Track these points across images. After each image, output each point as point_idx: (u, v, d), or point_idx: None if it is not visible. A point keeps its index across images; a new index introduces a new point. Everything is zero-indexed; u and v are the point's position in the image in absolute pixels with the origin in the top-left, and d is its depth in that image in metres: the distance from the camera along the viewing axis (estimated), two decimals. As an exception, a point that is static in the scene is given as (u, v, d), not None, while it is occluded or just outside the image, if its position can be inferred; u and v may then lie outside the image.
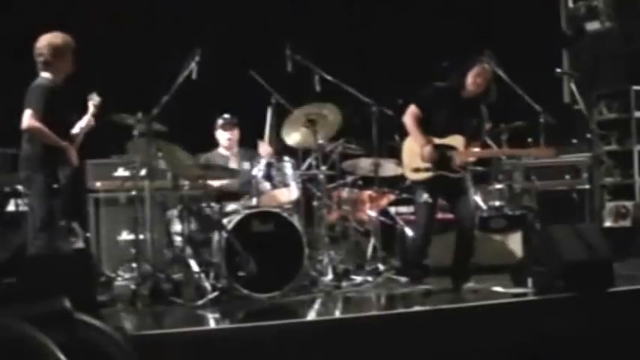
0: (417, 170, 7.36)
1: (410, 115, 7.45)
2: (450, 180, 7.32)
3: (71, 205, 7.40)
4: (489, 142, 8.64)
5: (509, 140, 9.25)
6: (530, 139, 9.71)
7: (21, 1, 9.71)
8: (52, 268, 5.99)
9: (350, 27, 11.36)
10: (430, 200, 7.36)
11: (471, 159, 7.53)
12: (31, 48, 6.95)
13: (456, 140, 7.34)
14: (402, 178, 8.15)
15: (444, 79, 7.56)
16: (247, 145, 8.84)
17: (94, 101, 7.32)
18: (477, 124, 7.44)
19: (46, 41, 6.92)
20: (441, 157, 7.28)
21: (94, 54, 9.41)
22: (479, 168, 9.54)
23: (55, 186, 6.73)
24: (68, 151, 6.87)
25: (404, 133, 7.58)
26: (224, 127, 8.79)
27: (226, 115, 8.83)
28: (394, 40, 11.35)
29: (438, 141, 7.33)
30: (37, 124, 6.66)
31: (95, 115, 7.30)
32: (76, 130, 7.17)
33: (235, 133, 8.83)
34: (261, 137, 8.55)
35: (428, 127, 7.39)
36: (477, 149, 7.46)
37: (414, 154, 7.35)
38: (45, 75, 6.92)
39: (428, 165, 7.29)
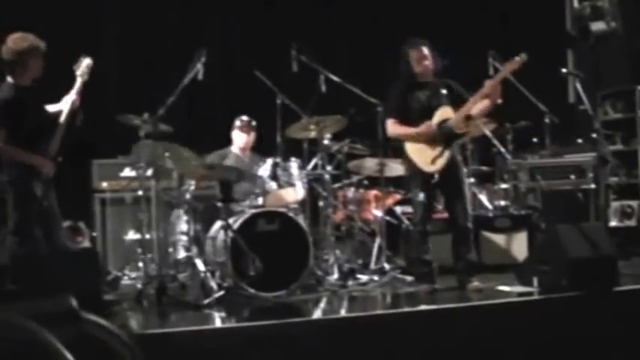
0: (435, 160, 7.32)
1: (392, 127, 7.55)
2: (445, 173, 7.32)
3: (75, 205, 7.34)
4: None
5: (514, 140, 9.26)
6: (535, 139, 9.75)
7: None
8: (58, 266, 6.01)
9: (355, 26, 11.37)
10: (425, 200, 7.37)
11: (466, 114, 7.38)
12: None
13: (444, 112, 7.34)
14: (406, 178, 8.14)
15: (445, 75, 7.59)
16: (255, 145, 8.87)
17: (82, 67, 6.98)
18: (450, 94, 7.43)
19: (11, 43, 6.64)
20: (443, 133, 7.28)
21: (100, 55, 9.48)
22: (484, 168, 9.57)
23: (28, 198, 6.60)
24: (40, 165, 6.65)
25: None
26: (241, 129, 8.81)
27: (245, 118, 8.84)
28: (399, 39, 11.37)
29: (429, 123, 7.34)
30: (3, 144, 6.52)
31: (84, 86, 6.94)
32: (57, 106, 6.87)
33: (252, 136, 8.85)
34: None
35: (412, 121, 7.42)
36: (465, 105, 7.37)
37: (422, 149, 7.35)
38: (9, 80, 6.69)
39: (440, 147, 7.27)
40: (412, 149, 7.46)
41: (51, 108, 6.93)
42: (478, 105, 7.31)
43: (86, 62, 7.02)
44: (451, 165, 7.36)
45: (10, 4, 9.20)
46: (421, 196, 7.38)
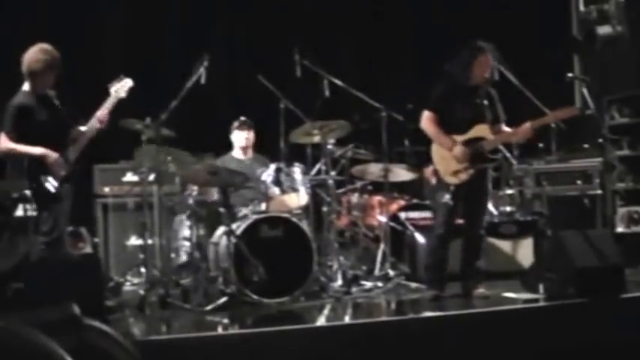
0: (456, 173, 7.24)
1: (427, 121, 7.34)
2: (474, 180, 7.24)
3: (77, 211, 7.36)
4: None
5: (520, 145, 9.19)
6: (541, 145, 9.69)
7: (30, 6, 9.69)
8: (60, 273, 5.98)
9: (359, 31, 11.34)
10: (451, 202, 7.27)
11: (502, 142, 7.46)
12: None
13: (481, 130, 7.24)
14: (412, 183, 8.09)
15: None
16: (258, 150, 8.84)
17: (119, 87, 7.14)
18: (490, 107, 7.36)
19: (31, 53, 6.84)
20: (474, 152, 7.21)
21: (102, 58, 9.45)
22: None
23: (44, 194, 6.74)
24: (45, 155, 6.75)
25: (415, 140, 7.52)
26: (240, 127, 8.78)
27: (242, 117, 8.81)
28: (404, 45, 11.34)
29: (462, 137, 7.23)
30: (7, 145, 6.72)
31: (115, 108, 7.12)
32: (86, 126, 7.03)
33: (251, 134, 8.82)
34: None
35: (448, 126, 7.29)
36: (503, 131, 7.35)
37: (447, 159, 7.23)
38: (25, 87, 6.89)
39: (465, 164, 7.19)
40: (438, 155, 7.33)
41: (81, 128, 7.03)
42: (514, 138, 7.45)
43: (128, 83, 7.15)
44: (481, 173, 7.29)
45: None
46: (447, 197, 7.26)
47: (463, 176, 7.20)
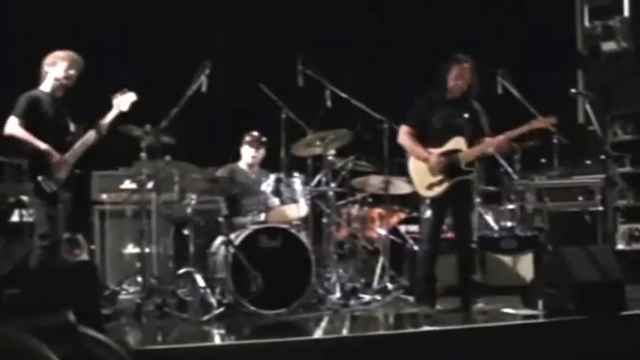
0: (431, 186, 7.23)
1: (403, 135, 7.41)
2: (457, 193, 7.21)
3: (75, 217, 7.34)
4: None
5: (522, 160, 9.16)
6: (543, 160, 9.64)
7: (36, 13, 9.67)
8: (56, 280, 5.95)
9: (363, 42, 11.33)
10: (434, 218, 7.26)
11: (478, 155, 7.38)
12: (37, 61, 6.94)
13: (457, 142, 7.23)
14: (412, 196, 8.04)
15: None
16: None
17: (122, 99, 7.19)
18: (471, 121, 7.32)
19: (51, 57, 7.01)
20: (449, 164, 7.18)
21: (103, 63, 9.42)
22: (490, 187, 9.47)
23: (44, 193, 6.77)
24: (50, 156, 6.80)
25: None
26: (251, 144, 8.69)
27: (255, 133, 8.73)
28: (407, 57, 11.31)
29: (438, 150, 7.22)
30: (17, 130, 6.77)
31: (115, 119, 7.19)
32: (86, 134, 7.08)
33: (261, 152, 8.74)
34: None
35: (425, 139, 7.30)
36: (480, 144, 7.32)
37: (423, 172, 7.24)
38: (42, 87, 7.00)
39: (440, 177, 7.16)
40: (414, 167, 7.35)
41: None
42: (490, 149, 7.38)
43: (131, 97, 7.19)
44: (462, 184, 7.24)
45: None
46: (428, 213, 7.27)
47: (438, 189, 7.20)
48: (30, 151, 6.85)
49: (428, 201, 7.26)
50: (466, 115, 7.28)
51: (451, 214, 7.58)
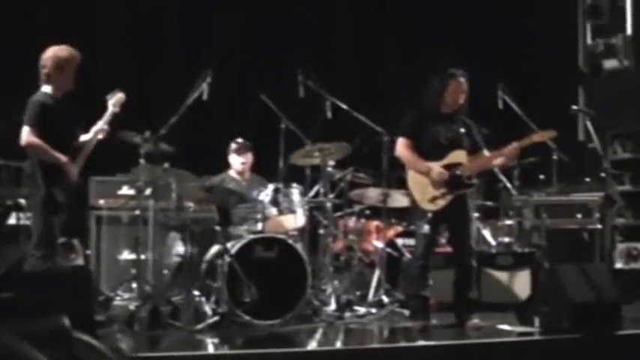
0: (434, 199, 7.19)
1: (402, 147, 7.34)
2: (456, 207, 7.19)
3: (73, 222, 7.30)
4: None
5: (521, 175, 9.15)
6: (542, 176, 9.63)
7: (32, 16, 9.67)
8: (50, 284, 5.92)
9: (363, 54, 11.33)
10: (430, 233, 7.24)
11: (480, 167, 7.42)
12: (37, 60, 6.89)
13: (458, 156, 7.21)
14: (410, 209, 8.01)
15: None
16: (256, 169, 8.78)
17: (114, 100, 7.07)
18: (467, 135, 7.32)
19: (51, 52, 6.81)
20: (451, 177, 7.15)
21: (102, 69, 9.42)
22: (488, 203, 9.45)
23: (53, 204, 6.62)
24: (67, 167, 6.71)
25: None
26: (238, 152, 8.69)
27: (240, 140, 8.74)
28: (408, 68, 11.30)
29: (439, 163, 7.19)
30: (35, 140, 6.58)
31: (113, 120, 7.08)
32: (87, 136, 6.99)
33: (249, 157, 8.74)
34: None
35: (424, 152, 7.27)
36: (482, 157, 7.32)
37: (424, 185, 7.20)
38: (45, 89, 6.81)
39: (443, 190, 7.13)
40: (414, 181, 7.31)
41: (82, 137, 7.00)
42: (494, 162, 7.39)
43: (119, 96, 7.07)
44: (460, 199, 7.22)
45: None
46: (425, 228, 7.24)
47: (441, 202, 7.17)
48: (46, 162, 6.65)
49: (430, 215, 7.23)
50: (462, 130, 7.28)
51: (450, 229, 7.56)
